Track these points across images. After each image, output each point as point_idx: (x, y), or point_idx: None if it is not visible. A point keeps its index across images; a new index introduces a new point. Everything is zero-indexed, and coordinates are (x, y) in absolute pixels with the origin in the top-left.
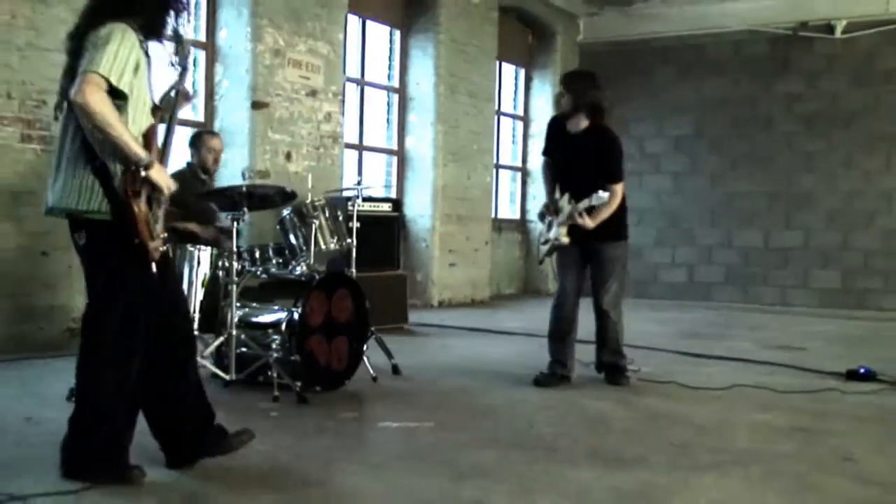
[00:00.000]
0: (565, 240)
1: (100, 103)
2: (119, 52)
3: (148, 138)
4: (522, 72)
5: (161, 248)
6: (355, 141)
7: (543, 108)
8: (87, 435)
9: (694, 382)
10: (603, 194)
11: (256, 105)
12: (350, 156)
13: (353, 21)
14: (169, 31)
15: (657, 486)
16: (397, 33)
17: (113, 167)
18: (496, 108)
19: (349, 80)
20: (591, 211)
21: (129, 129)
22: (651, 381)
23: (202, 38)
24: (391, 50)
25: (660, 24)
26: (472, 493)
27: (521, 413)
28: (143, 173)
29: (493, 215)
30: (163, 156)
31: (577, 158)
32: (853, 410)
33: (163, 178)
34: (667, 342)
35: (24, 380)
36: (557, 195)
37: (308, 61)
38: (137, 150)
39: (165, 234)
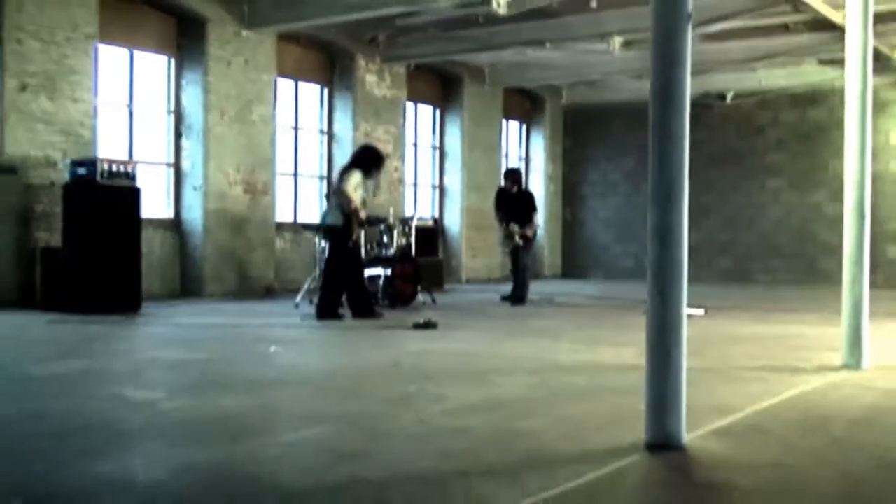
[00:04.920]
0: (521, 242)
1: (350, 193)
2: (353, 180)
3: (363, 203)
4: (524, 126)
5: (354, 239)
6: (412, 181)
7: (538, 152)
8: (327, 304)
9: (570, 303)
10: (538, 220)
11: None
12: (410, 190)
13: (410, 105)
14: (373, 176)
15: (514, 325)
16: (438, 111)
17: (345, 209)
18: (503, 153)
19: (409, 143)
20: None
21: (354, 198)
22: (556, 304)
23: (325, 128)
24: (434, 122)
25: (615, 93)
26: (460, 321)
27: (487, 310)
28: (358, 212)
29: None
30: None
31: (518, 205)
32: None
33: (363, 213)
34: (589, 293)
35: (252, 309)
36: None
37: (384, 137)
38: (356, 205)
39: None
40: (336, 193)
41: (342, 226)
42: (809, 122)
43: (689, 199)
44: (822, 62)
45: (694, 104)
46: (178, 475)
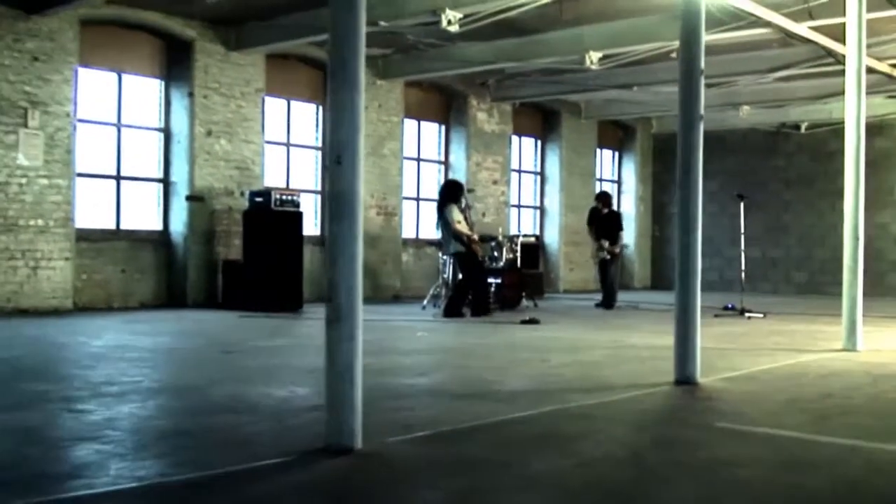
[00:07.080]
0: (608, 256)
1: (459, 229)
2: (454, 215)
3: (470, 228)
4: (617, 153)
5: (482, 256)
6: (516, 202)
7: (630, 176)
8: (453, 305)
9: (652, 309)
10: (625, 238)
11: (470, 191)
12: (515, 212)
13: (515, 138)
14: (463, 199)
15: (601, 322)
16: (539, 142)
17: (462, 239)
18: (596, 177)
19: (513, 170)
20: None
21: (462, 230)
22: (640, 309)
23: (443, 159)
24: (535, 151)
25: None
26: (557, 319)
27: (580, 313)
28: (473, 238)
29: None
30: (472, 227)
31: (608, 223)
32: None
33: (477, 238)
34: (672, 302)
35: (388, 309)
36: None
37: (492, 167)
38: (470, 234)
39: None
40: (447, 229)
41: (465, 252)
42: (876, 149)
43: (769, 217)
44: (891, 96)
45: (773, 133)
46: (396, 390)
